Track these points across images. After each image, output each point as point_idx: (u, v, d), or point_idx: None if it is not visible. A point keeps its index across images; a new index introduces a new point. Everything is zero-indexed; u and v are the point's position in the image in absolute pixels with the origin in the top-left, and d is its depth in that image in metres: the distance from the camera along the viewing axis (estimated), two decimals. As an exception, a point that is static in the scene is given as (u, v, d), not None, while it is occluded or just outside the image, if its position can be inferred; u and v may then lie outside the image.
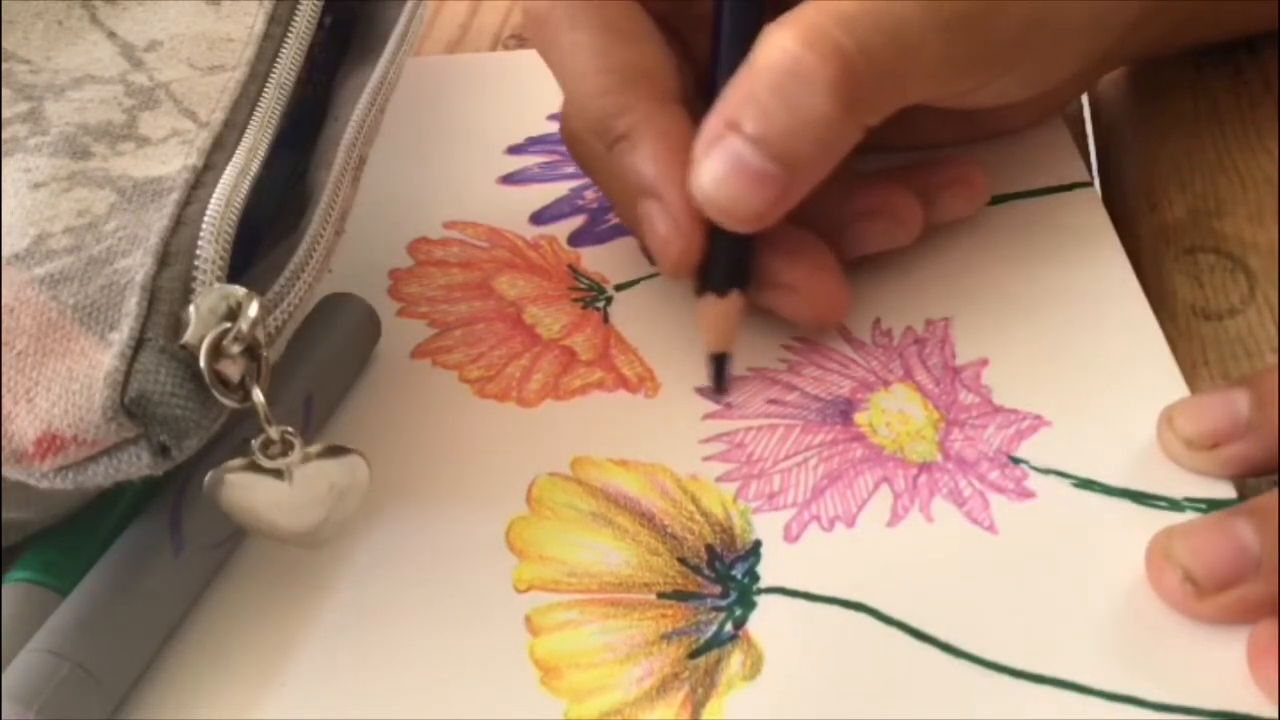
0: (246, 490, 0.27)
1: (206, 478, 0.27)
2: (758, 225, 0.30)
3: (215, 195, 0.27)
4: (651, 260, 0.37)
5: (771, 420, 0.32)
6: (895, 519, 0.29)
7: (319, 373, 0.32)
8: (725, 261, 0.32)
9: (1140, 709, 0.25)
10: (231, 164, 0.28)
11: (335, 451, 0.28)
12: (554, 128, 0.42)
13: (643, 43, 0.33)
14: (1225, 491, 0.29)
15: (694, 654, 0.27)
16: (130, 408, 0.24)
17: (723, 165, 0.30)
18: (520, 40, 0.48)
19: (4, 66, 0.31)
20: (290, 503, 0.27)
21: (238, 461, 0.27)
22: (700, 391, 0.33)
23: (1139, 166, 0.38)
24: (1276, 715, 0.25)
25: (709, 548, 0.29)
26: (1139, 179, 0.37)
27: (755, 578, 0.28)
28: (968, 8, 0.30)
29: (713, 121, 0.30)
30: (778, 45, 0.29)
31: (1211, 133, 0.36)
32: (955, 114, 0.34)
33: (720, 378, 0.33)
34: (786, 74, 0.29)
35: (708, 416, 0.32)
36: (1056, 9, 0.31)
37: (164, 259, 0.26)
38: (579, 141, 0.35)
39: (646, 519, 0.30)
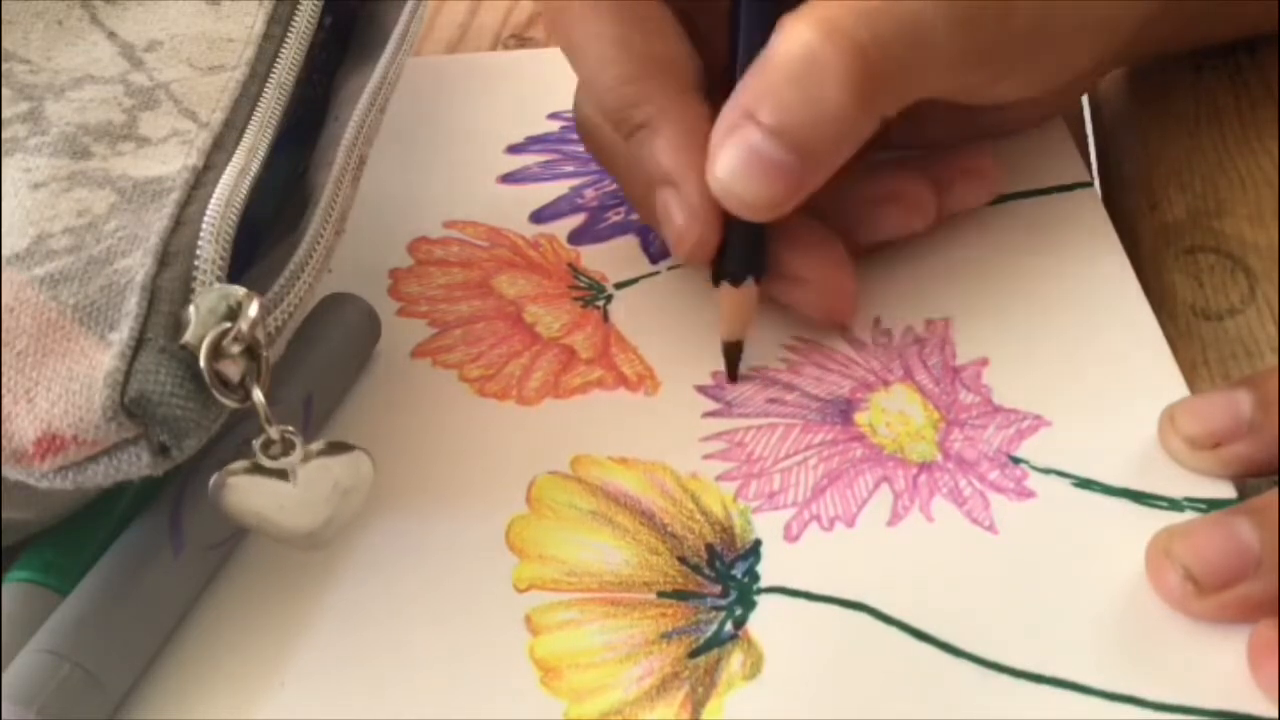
0: (250, 492, 0.27)
1: (210, 481, 0.27)
2: (773, 215, 0.31)
3: (215, 195, 0.27)
4: (648, 258, 0.37)
5: (771, 419, 0.32)
6: (895, 519, 0.29)
7: (319, 373, 0.32)
8: (741, 251, 0.32)
9: (1140, 708, 0.25)
10: (231, 164, 0.28)
11: (338, 449, 0.28)
12: (554, 127, 0.42)
13: (662, 33, 0.33)
14: (1225, 491, 0.29)
15: (694, 653, 0.27)
16: (130, 408, 0.24)
17: (739, 155, 0.30)
18: (520, 40, 0.48)
19: (4, 66, 0.31)
20: (295, 503, 0.27)
21: (240, 464, 0.27)
22: (700, 390, 0.33)
23: (1139, 166, 0.38)
24: (1277, 715, 0.25)
25: (709, 547, 0.29)
26: (1139, 179, 0.37)
27: (755, 577, 0.28)
28: (981, 5, 0.30)
29: (730, 111, 0.30)
30: (796, 37, 0.29)
31: (1211, 133, 0.36)
32: (961, 113, 0.34)
33: (734, 366, 0.33)
34: (804, 65, 0.29)
35: (708, 415, 0.32)
36: (1066, 9, 0.31)
37: (164, 259, 0.26)
38: (594, 130, 0.35)
39: (646, 518, 0.30)
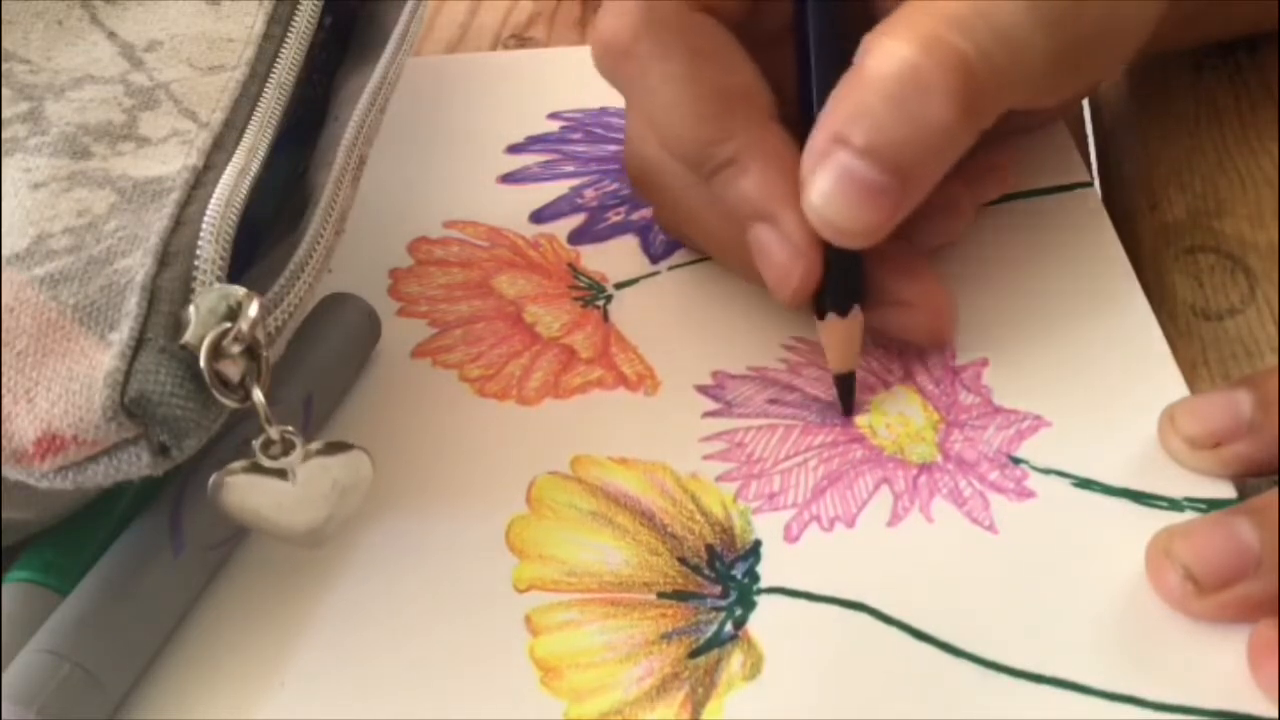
0: (250, 492, 0.27)
1: (209, 482, 0.27)
2: (872, 240, 0.30)
3: (215, 195, 0.27)
4: (648, 258, 0.37)
5: (771, 420, 0.32)
6: (895, 519, 0.29)
7: (319, 373, 0.32)
8: (843, 280, 0.31)
9: (1139, 708, 0.25)
10: (231, 164, 0.28)
11: (337, 448, 0.28)
12: (554, 127, 0.42)
13: (734, 62, 0.32)
14: (1225, 491, 0.29)
15: (694, 654, 0.27)
16: (130, 408, 0.24)
17: (834, 181, 0.29)
18: (520, 40, 0.48)
19: (4, 66, 0.31)
20: (294, 502, 0.27)
21: (240, 464, 0.27)
22: (700, 390, 0.33)
23: (1139, 167, 0.38)
24: (1277, 715, 0.25)
25: (709, 547, 0.29)
26: (1139, 179, 0.37)
27: (755, 578, 0.28)
28: (1061, 6, 0.29)
29: (819, 136, 0.29)
30: (892, 54, 0.28)
31: (1211, 133, 0.36)
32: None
33: (849, 398, 0.32)
34: (904, 83, 0.28)
35: (707, 415, 0.32)
36: (1126, 8, 0.30)
37: (164, 259, 0.26)
38: (657, 175, 0.34)
39: (646, 518, 0.30)
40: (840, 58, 0.29)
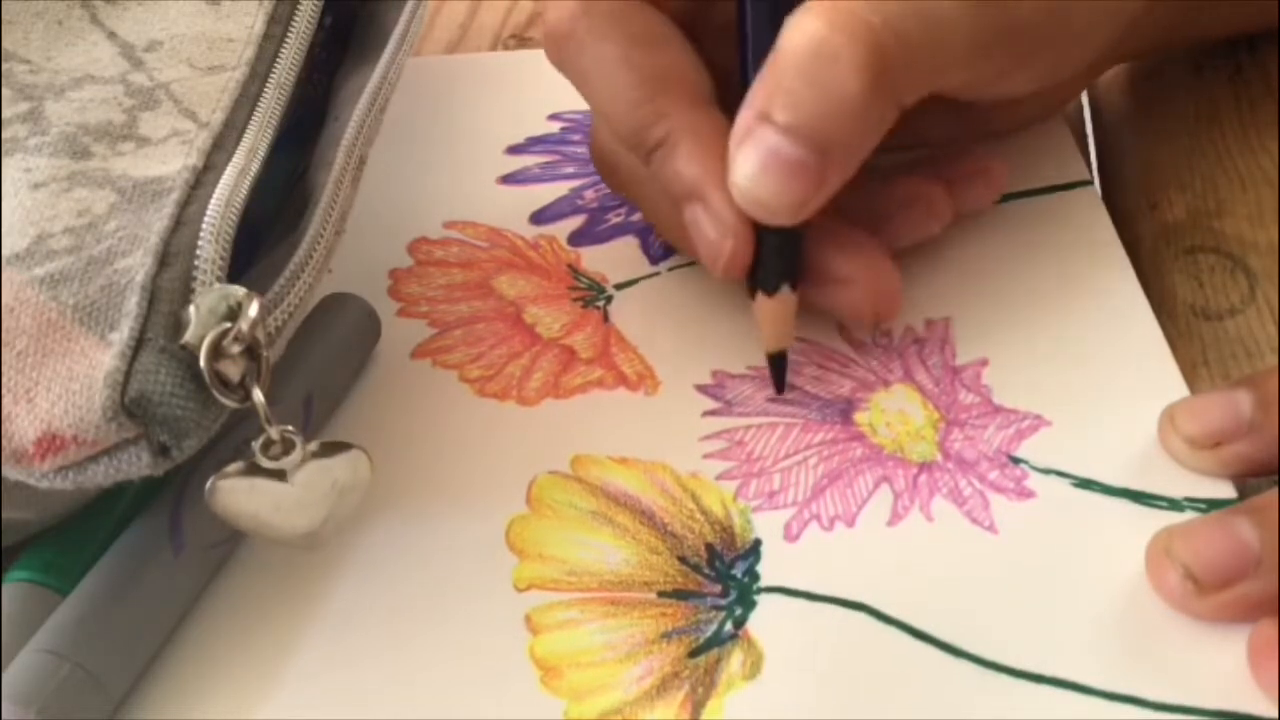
0: (247, 493, 0.27)
1: (207, 484, 0.27)
2: (797, 217, 0.30)
3: (215, 195, 0.27)
4: (648, 259, 0.37)
5: (771, 419, 0.32)
6: (895, 518, 0.29)
7: (319, 373, 0.32)
8: (774, 259, 0.31)
9: (1140, 708, 0.25)
10: (231, 164, 0.28)
11: (336, 448, 0.28)
12: (554, 127, 0.42)
13: (669, 48, 0.32)
14: (1225, 491, 0.29)
15: (694, 653, 0.27)
16: (130, 408, 0.24)
17: (757, 158, 0.29)
18: (520, 40, 0.48)
19: (4, 66, 0.31)
20: (292, 503, 0.27)
21: (237, 465, 0.27)
22: (700, 389, 0.33)
23: (1139, 166, 0.38)
24: (1277, 715, 0.25)
25: (709, 546, 0.29)
26: (1139, 179, 0.37)
27: (755, 577, 0.28)
28: None
29: (744, 114, 0.30)
30: (803, 29, 0.29)
31: (1211, 133, 0.36)
32: (964, 112, 0.34)
33: (780, 377, 0.32)
34: (812, 56, 0.28)
35: (707, 414, 0.32)
36: (1070, 6, 0.31)
37: (164, 259, 0.26)
38: (612, 160, 0.35)
39: (646, 517, 0.30)
40: (774, 39, 0.30)
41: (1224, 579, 0.26)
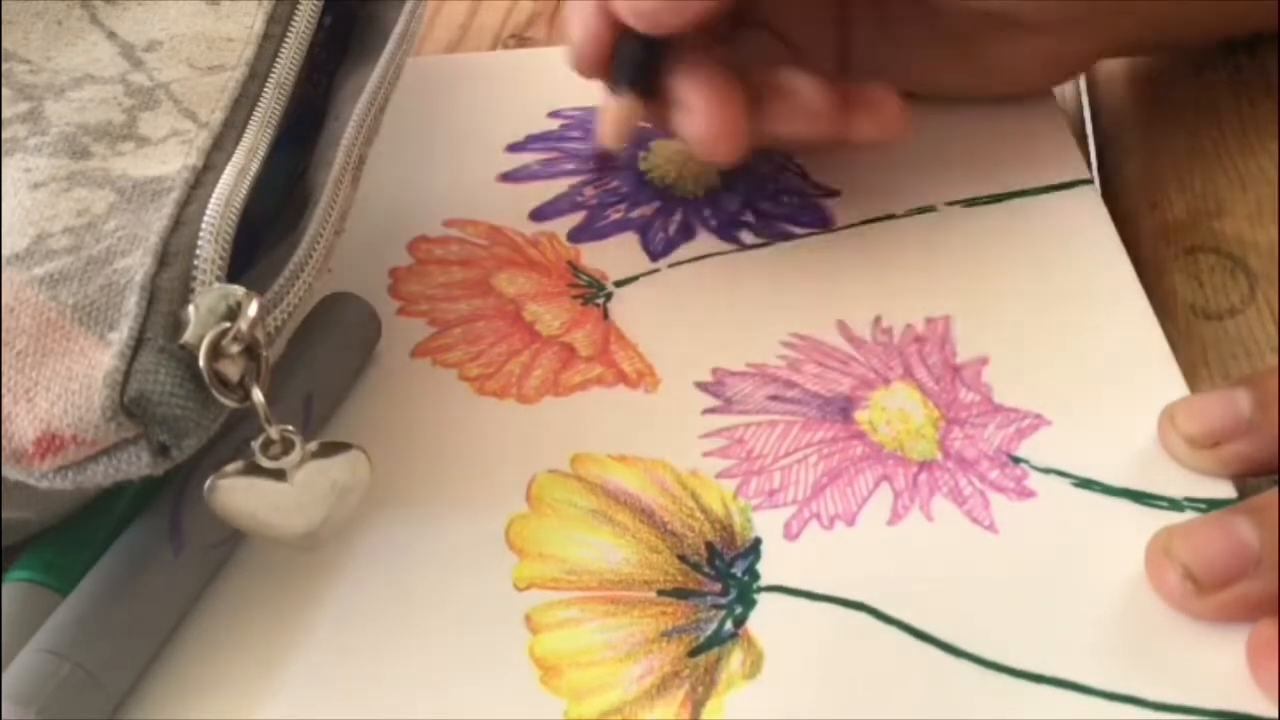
0: (247, 493, 0.27)
1: (207, 484, 0.27)
2: (655, 26, 0.32)
3: (215, 195, 0.27)
4: (648, 256, 0.37)
5: (771, 417, 0.32)
6: (895, 518, 0.29)
7: (319, 373, 0.32)
8: (626, 63, 0.34)
9: (1139, 708, 0.25)
10: (231, 164, 0.28)
11: (336, 448, 0.28)
12: (554, 126, 0.42)
13: None
14: (1225, 491, 0.29)
15: (694, 652, 0.27)
16: (130, 408, 0.24)
17: None
18: (520, 40, 0.48)
19: (4, 66, 0.31)
20: (292, 503, 0.27)
21: (236, 465, 0.27)
22: (700, 387, 0.33)
23: (1139, 166, 0.38)
24: (1277, 715, 0.25)
25: (709, 545, 0.29)
26: (1139, 179, 0.37)
27: (755, 576, 0.28)
28: None
29: None
30: None
31: (1211, 133, 0.36)
32: (960, 57, 0.34)
33: (601, 167, 0.37)
34: None
35: (707, 412, 0.32)
36: None
37: (163, 259, 0.26)
38: None
39: (646, 515, 0.30)
40: None
41: (1223, 578, 0.26)
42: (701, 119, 0.33)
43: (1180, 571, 0.26)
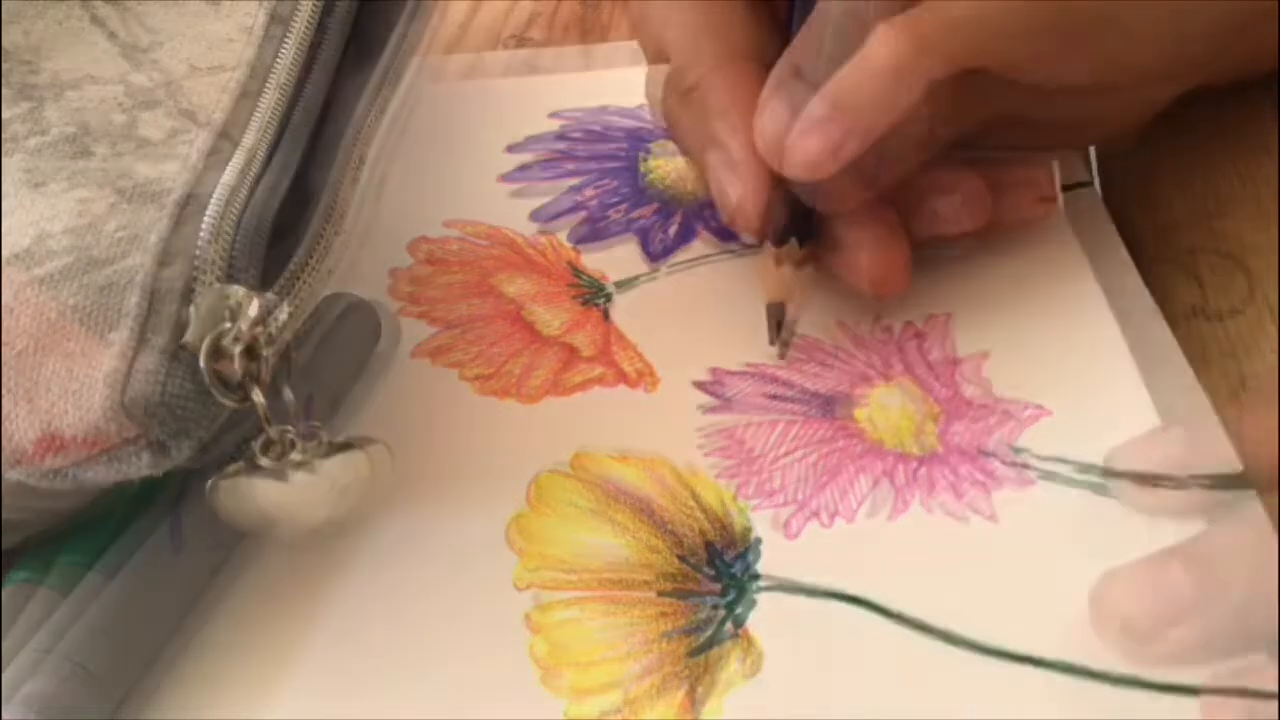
0: (247, 493, 0.27)
1: (207, 484, 0.27)
2: (812, 174, 0.30)
3: (215, 195, 0.27)
4: (648, 257, 0.37)
5: (771, 415, 0.32)
6: (896, 513, 0.29)
7: (319, 373, 0.32)
8: (786, 213, 0.32)
9: (1146, 690, 0.25)
10: (231, 164, 0.28)
11: (336, 448, 0.28)
12: (554, 126, 0.42)
13: (725, 5, 0.34)
14: (1231, 466, 0.28)
15: (694, 652, 0.27)
16: (130, 408, 0.24)
17: (782, 110, 0.30)
18: (520, 40, 0.48)
19: (4, 66, 0.31)
20: (293, 502, 0.27)
21: (237, 465, 0.27)
22: (699, 386, 0.33)
23: (1139, 166, 0.37)
24: (1276, 689, 0.24)
25: (708, 544, 0.29)
26: (1139, 179, 0.37)
27: (755, 575, 0.28)
28: None
29: (779, 68, 0.31)
30: None
31: (1211, 133, 0.36)
32: (1028, 119, 0.33)
33: (773, 329, 0.33)
34: (848, 15, 0.29)
35: (707, 411, 0.32)
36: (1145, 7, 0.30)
37: (164, 259, 0.26)
38: (666, 104, 0.36)
39: (645, 513, 0.30)
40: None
41: (1158, 628, 0.25)
42: (866, 261, 0.32)
43: (1119, 623, 0.26)
